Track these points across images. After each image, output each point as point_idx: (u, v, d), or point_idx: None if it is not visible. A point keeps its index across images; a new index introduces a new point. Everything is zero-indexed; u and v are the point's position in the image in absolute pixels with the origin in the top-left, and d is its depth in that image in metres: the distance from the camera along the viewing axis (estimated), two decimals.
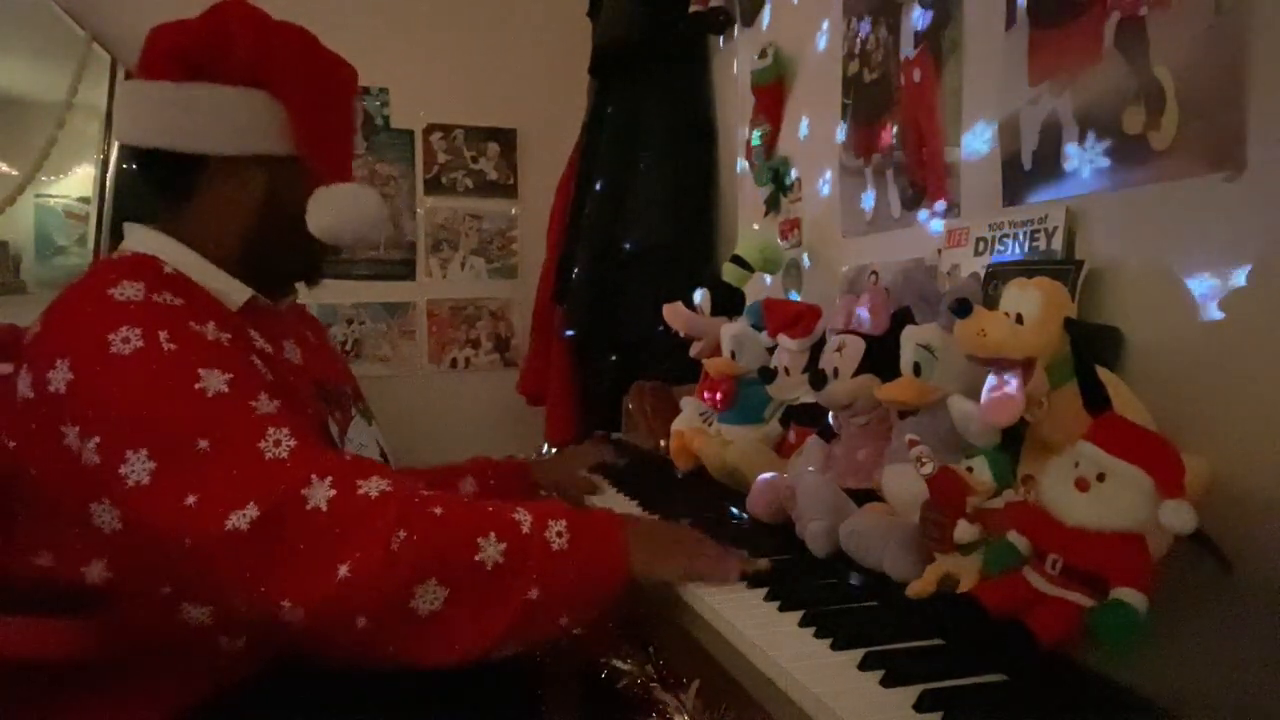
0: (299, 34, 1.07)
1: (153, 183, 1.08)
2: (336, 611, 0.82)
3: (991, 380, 0.90)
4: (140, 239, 1.04)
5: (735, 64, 2.29)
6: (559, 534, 0.89)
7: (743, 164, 2.19)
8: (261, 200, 1.06)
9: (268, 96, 1.03)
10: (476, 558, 0.85)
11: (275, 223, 1.06)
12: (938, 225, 1.43)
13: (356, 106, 1.14)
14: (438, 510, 0.87)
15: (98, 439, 0.86)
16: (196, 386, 0.87)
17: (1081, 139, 1.12)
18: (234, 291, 1.04)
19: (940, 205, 1.43)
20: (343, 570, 0.81)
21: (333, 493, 0.84)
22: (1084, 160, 1.11)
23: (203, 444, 0.85)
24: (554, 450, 2.08)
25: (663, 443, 1.67)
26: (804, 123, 1.93)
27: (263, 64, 1.03)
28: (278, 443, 0.86)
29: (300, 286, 1.21)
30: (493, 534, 0.86)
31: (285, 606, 0.82)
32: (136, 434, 0.85)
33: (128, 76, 1.13)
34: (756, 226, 2.13)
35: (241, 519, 0.81)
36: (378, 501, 0.85)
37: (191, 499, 0.83)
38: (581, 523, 0.91)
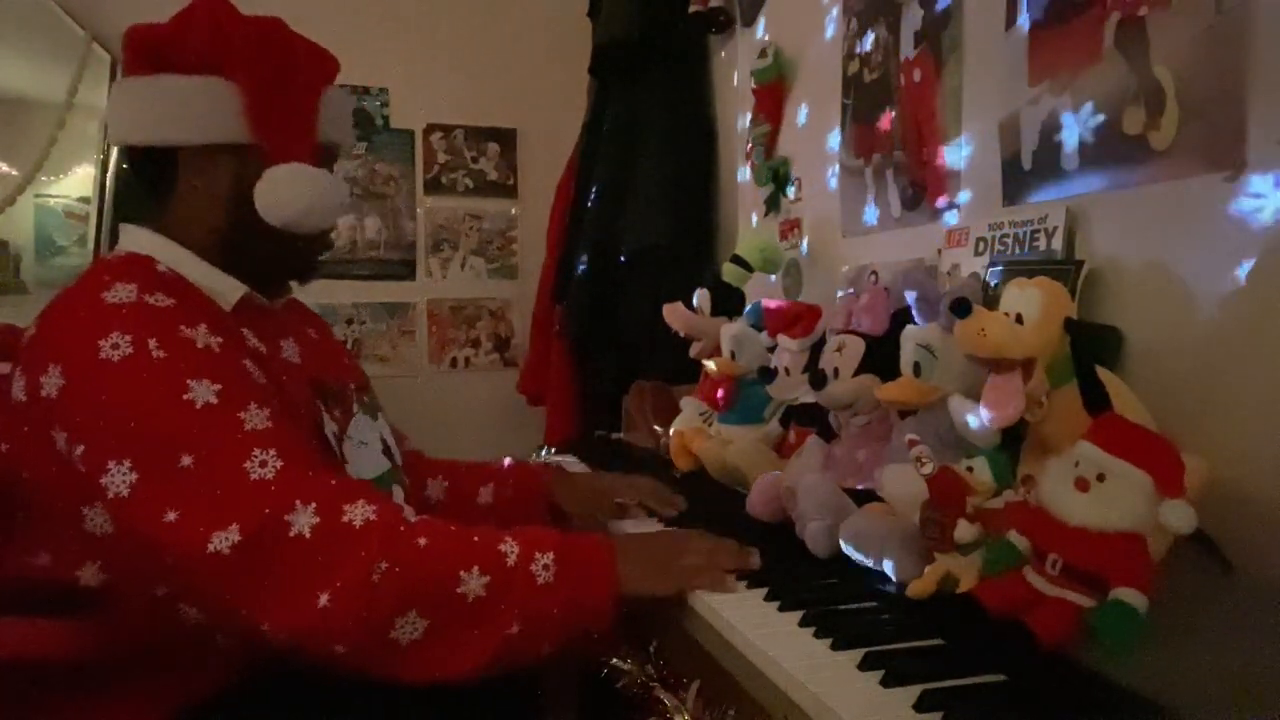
0: (264, 23, 1.05)
1: (139, 180, 1.08)
2: (316, 639, 0.82)
3: (991, 380, 0.90)
4: (134, 239, 1.04)
5: (735, 64, 2.29)
6: (545, 566, 0.88)
7: (743, 164, 2.19)
8: (230, 191, 1.04)
9: (224, 83, 1.02)
10: (458, 590, 0.84)
11: (246, 213, 1.04)
12: (938, 225, 1.43)
13: (327, 94, 1.10)
14: (422, 541, 0.86)
15: (83, 446, 0.86)
16: (185, 397, 0.87)
17: (1081, 139, 1.12)
18: (227, 290, 1.03)
19: (940, 205, 1.43)
20: (323, 599, 0.81)
21: (316, 520, 0.84)
22: (1084, 160, 1.11)
23: (186, 460, 0.84)
24: (554, 450, 2.06)
25: (663, 442, 1.67)
26: (804, 123, 1.93)
27: (219, 51, 1.01)
28: (264, 463, 0.85)
29: (297, 285, 1.19)
30: (476, 567, 0.85)
31: (265, 630, 0.82)
32: (121, 444, 0.85)
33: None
34: (756, 226, 2.13)
35: (223, 541, 0.81)
36: (361, 531, 0.85)
37: (172, 515, 0.82)
38: (569, 554, 0.90)
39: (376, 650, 0.83)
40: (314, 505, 0.84)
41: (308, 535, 0.83)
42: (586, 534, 0.96)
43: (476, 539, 0.89)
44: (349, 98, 1.20)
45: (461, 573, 0.85)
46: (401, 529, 0.87)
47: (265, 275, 1.10)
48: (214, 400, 0.88)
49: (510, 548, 0.89)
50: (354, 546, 0.83)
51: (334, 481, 0.90)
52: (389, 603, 0.82)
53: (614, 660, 1.04)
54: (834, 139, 1.77)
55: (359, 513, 0.86)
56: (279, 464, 0.86)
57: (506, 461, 1.42)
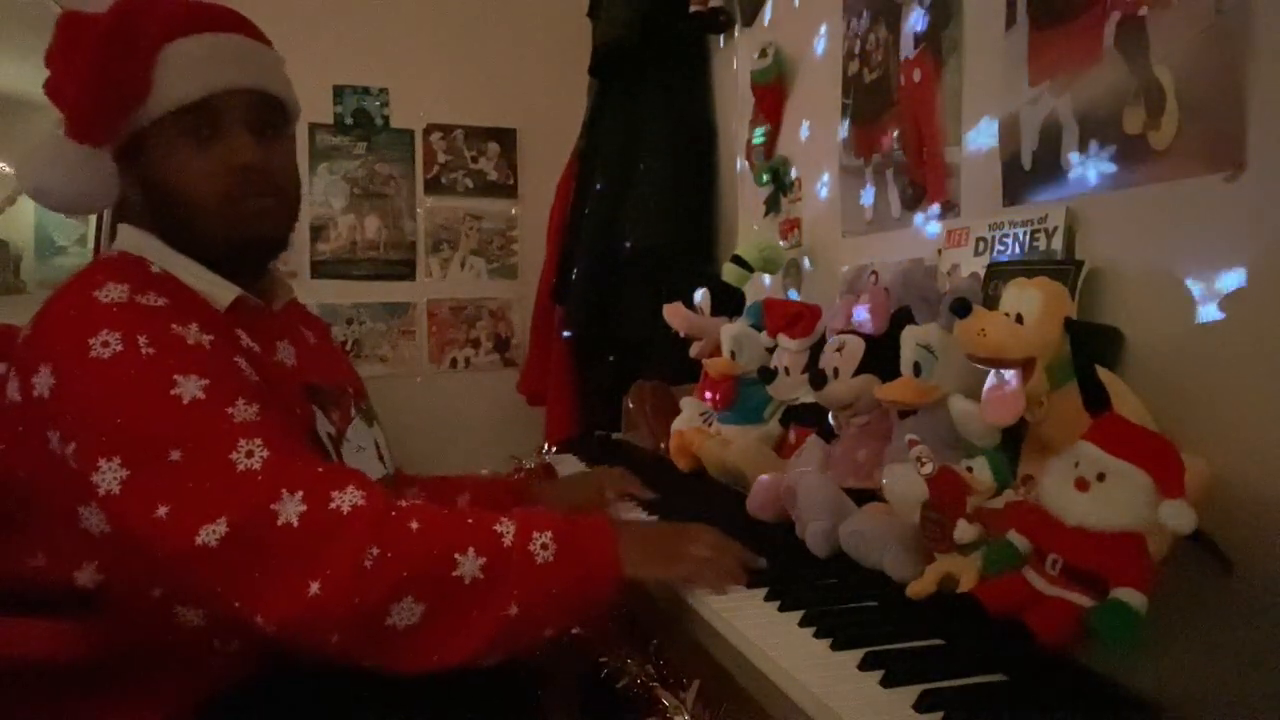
0: None
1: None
2: (309, 629, 0.81)
3: (991, 380, 0.90)
4: (129, 239, 1.03)
5: (735, 64, 2.29)
6: (544, 545, 0.87)
7: (743, 164, 2.19)
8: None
9: None
10: (454, 573, 0.83)
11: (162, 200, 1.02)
12: (937, 225, 1.43)
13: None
14: (414, 525, 0.85)
15: (75, 445, 0.86)
16: (172, 393, 0.86)
17: (1081, 139, 1.12)
18: (220, 291, 1.02)
19: (940, 205, 1.43)
20: (314, 588, 0.80)
21: (304, 508, 0.83)
22: (1084, 160, 1.11)
23: (175, 454, 0.84)
24: (554, 450, 2.06)
25: (663, 443, 1.67)
26: (804, 123, 1.93)
27: None
28: (250, 454, 0.85)
29: (297, 285, 1.19)
30: (471, 549, 0.84)
31: (258, 621, 0.81)
32: (111, 442, 0.84)
33: None
34: (756, 227, 2.13)
35: (211, 534, 0.80)
36: (350, 516, 0.83)
37: (162, 510, 0.82)
38: (569, 533, 0.89)
39: (371, 638, 0.82)
40: (301, 493, 0.83)
41: (296, 524, 0.82)
42: (587, 515, 0.95)
43: (470, 520, 0.88)
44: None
45: (456, 555, 0.84)
46: (392, 514, 0.86)
47: (232, 264, 1.04)
48: (201, 395, 0.87)
49: (506, 528, 0.87)
50: (342, 533, 0.82)
51: (321, 469, 0.90)
52: (381, 589, 0.81)
53: (614, 660, 1.04)
54: (834, 139, 1.77)
55: (347, 499, 0.85)
56: (265, 454, 0.85)
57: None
